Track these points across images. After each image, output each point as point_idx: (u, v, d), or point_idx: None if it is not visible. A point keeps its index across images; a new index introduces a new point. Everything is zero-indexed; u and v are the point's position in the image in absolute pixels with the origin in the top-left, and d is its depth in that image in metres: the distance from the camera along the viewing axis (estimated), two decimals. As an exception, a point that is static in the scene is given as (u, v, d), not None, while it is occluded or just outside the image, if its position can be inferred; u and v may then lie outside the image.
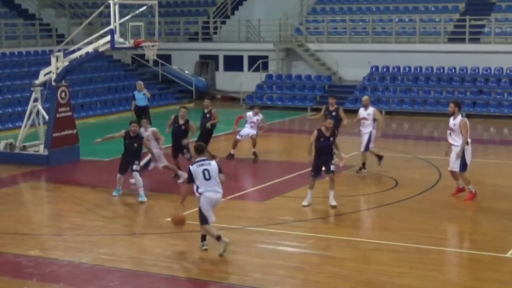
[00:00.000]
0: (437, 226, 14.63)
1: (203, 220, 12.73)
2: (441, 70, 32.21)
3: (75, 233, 14.32)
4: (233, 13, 39.87)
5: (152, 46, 20.55)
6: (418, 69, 32.67)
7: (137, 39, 20.31)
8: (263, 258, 12.77)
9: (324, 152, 15.82)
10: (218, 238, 12.68)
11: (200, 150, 12.97)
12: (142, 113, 24.27)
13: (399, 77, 32.73)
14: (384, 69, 33.29)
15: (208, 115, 20.35)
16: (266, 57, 35.91)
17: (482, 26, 33.58)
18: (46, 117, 21.20)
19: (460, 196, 16.46)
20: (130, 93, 28.97)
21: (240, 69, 36.69)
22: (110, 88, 33.34)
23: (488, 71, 31.50)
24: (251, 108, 21.76)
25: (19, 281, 11.73)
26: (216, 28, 38.46)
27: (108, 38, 19.97)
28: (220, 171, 12.77)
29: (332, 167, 15.90)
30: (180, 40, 38.46)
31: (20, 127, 22.26)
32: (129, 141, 16.79)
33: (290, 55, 35.60)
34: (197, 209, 12.84)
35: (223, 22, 38.86)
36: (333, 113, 19.19)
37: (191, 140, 18.82)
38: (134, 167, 16.66)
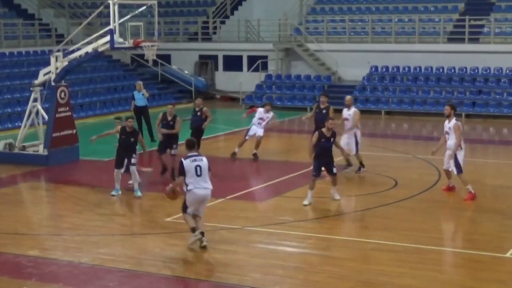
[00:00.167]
0: (436, 226, 14.65)
1: (184, 208, 12.99)
2: (441, 70, 32.20)
3: (74, 233, 14.31)
4: (232, 13, 39.85)
5: (152, 46, 20.52)
6: (418, 69, 32.64)
7: (137, 39, 20.30)
8: (262, 258, 12.76)
9: (325, 153, 15.90)
10: (193, 230, 12.88)
11: (191, 145, 13.06)
12: (141, 113, 24.26)
13: (399, 77, 32.71)
14: (384, 69, 33.26)
15: (199, 113, 20.03)
16: (266, 57, 35.88)
17: (482, 26, 33.55)
18: (46, 117, 21.18)
19: (457, 193, 16.51)
20: (129, 93, 28.91)
21: (240, 69, 36.65)
22: (109, 88, 33.32)
23: (488, 71, 31.48)
24: (262, 106, 21.64)
25: (18, 281, 11.72)
26: (215, 28, 38.43)
27: (107, 38, 19.95)
28: (209, 169, 12.90)
29: (334, 170, 16.02)
30: (180, 40, 38.42)
31: (19, 127, 22.25)
32: (125, 136, 16.86)
33: (289, 55, 35.57)
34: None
35: (223, 22, 38.83)
36: (323, 111, 19.33)
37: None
38: (133, 160, 16.72)
